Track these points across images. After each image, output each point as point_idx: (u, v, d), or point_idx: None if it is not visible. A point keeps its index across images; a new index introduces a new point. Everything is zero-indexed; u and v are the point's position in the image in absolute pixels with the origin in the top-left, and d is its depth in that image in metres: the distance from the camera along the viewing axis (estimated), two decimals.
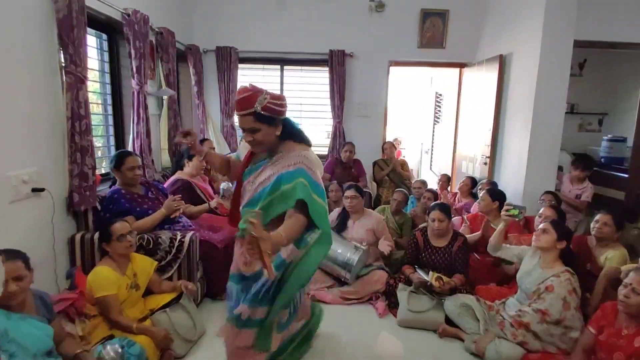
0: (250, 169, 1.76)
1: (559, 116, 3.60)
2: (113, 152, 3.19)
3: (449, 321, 2.55)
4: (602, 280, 2.37)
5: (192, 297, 2.38)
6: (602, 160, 5.21)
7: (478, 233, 3.09)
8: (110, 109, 3.23)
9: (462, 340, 2.43)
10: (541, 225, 2.39)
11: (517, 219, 2.68)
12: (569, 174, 3.82)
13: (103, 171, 3.08)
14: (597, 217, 2.56)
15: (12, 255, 1.55)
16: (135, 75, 3.03)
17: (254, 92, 1.56)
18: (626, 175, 4.49)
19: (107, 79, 3.18)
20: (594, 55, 5.48)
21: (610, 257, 2.45)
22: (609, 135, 5.31)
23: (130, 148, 3.14)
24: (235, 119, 4.84)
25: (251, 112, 1.55)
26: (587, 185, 3.60)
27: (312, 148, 1.82)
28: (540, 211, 2.84)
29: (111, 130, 3.26)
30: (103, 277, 2.04)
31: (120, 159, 2.51)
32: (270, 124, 1.60)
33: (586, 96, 5.70)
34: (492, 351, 2.17)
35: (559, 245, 2.27)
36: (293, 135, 1.73)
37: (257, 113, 1.55)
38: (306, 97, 4.99)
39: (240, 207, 1.81)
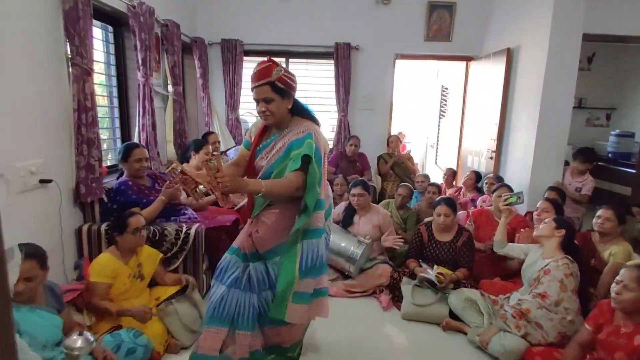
0: (261, 147, 1.82)
1: (566, 110, 3.57)
2: (119, 144, 3.20)
3: (452, 315, 2.56)
4: (606, 275, 2.37)
5: (195, 288, 2.39)
6: (610, 155, 5.18)
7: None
8: (115, 102, 3.24)
9: (465, 334, 2.45)
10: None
11: (518, 204, 2.74)
12: (569, 166, 3.76)
13: (109, 163, 3.10)
14: (599, 212, 2.56)
15: (30, 253, 1.55)
16: (141, 68, 3.04)
17: (271, 64, 1.68)
18: (633, 171, 4.46)
19: (113, 71, 3.19)
20: (602, 49, 5.43)
21: (614, 253, 2.45)
22: (617, 130, 5.27)
23: (135, 140, 3.15)
24: (240, 112, 4.91)
25: (267, 82, 1.66)
26: (588, 178, 3.52)
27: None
28: (538, 204, 2.84)
29: (117, 122, 3.28)
30: (99, 264, 2.08)
31: (127, 150, 2.52)
32: (283, 96, 1.70)
33: (594, 90, 5.65)
34: (497, 344, 2.18)
35: (558, 233, 2.31)
36: (302, 111, 1.83)
37: (273, 83, 1.66)
38: (311, 91, 4.98)
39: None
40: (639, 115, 5.43)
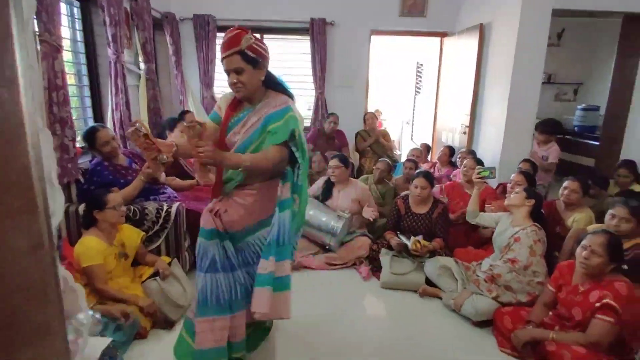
0: (233, 122, 1.72)
1: (535, 86, 3.68)
2: (91, 124, 3.12)
3: (429, 282, 2.69)
4: (569, 240, 2.53)
5: (167, 276, 2.31)
6: (576, 129, 5.40)
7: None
8: (85, 80, 3.13)
9: (440, 298, 2.59)
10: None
11: (490, 179, 2.83)
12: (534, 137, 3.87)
13: (79, 145, 3.01)
14: (565, 183, 2.71)
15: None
16: (112, 44, 2.93)
17: (240, 32, 1.58)
18: (597, 143, 4.69)
19: (81, 48, 3.07)
20: (572, 25, 5.56)
21: (577, 219, 2.62)
22: (583, 105, 5.47)
23: (109, 120, 3.08)
24: (215, 90, 4.82)
25: (237, 51, 1.56)
26: (552, 147, 3.65)
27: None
28: (512, 176, 2.97)
29: (88, 102, 3.18)
30: (89, 247, 2.06)
31: (90, 137, 2.46)
32: (255, 66, 1.60)
33: (563, 66, 5.82)
34: (469, 306, 2.33)
35: (528, 203, 2.45)
36: (277, 85, 1.73)
37: (243, 52, 1.56)
38: (287, 67, 4.93)
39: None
40: (604, 89, 5.64)
